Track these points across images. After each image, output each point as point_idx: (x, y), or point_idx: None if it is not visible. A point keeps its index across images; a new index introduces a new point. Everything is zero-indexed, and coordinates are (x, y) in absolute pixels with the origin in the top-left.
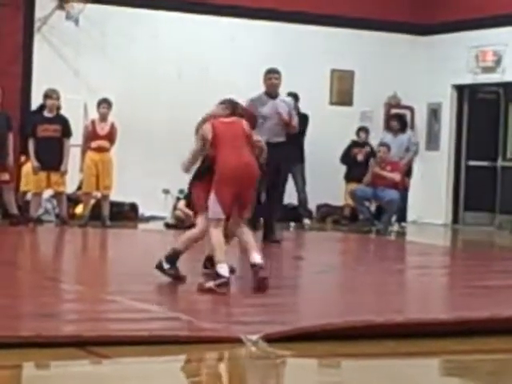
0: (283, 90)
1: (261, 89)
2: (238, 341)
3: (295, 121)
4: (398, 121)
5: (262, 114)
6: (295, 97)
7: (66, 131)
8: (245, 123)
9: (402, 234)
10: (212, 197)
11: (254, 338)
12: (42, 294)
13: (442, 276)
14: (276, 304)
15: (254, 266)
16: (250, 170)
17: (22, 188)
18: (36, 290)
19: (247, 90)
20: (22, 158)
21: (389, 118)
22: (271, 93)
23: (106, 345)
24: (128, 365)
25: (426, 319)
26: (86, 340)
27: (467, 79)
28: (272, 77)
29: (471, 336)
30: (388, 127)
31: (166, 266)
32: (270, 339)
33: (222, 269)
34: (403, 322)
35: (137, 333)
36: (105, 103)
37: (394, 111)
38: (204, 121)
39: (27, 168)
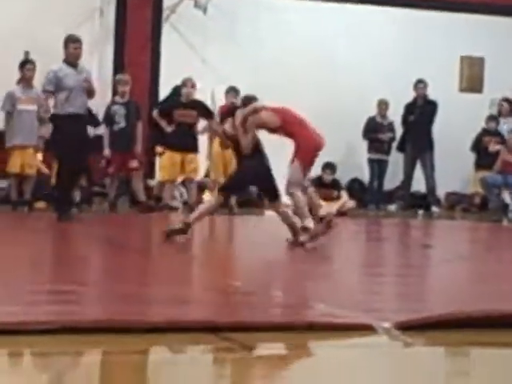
0: (411, 78)
1: (389, 74)
2: (369, 328)
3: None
4: (508, 104)
5: (68, 86)
6: (434, 104)
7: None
8: None
9: None
10: None
11: (387, 325)
12: (171, 280)
13: None
14: (405, 292)
15: None
16: None
17: (161, 178)
18: (165, 276)
19: (374, 76)
20: (159, 149)
21: (499, 101)
22: (73, 62)
23: (239, 331)
24: (263, 351)
25: None
26: (218, 326)
27: None
28: (77, 46)
29: None
30: (499, 111)
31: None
32: (403, 327)
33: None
34: None
35: (270, 319)
36: (232, 92)
37: None
38: None
39: (163, 158)
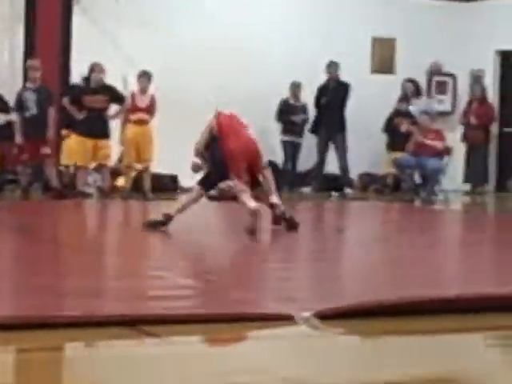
0: (324, 59)
1: (301, 56)
2: (289, 318)
3: None
4: (413, 85)
5: None
6: (346, 86)
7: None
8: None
9: (445, 202)
10: None
11: (306, 315)
12: (86, 271)
13: (486, 247)
14: (321, 278)
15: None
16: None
17: (64, 161)
18: (80, 267)
19: (287, 58)
20: (64, 132)
21: (403, 82)
22: None
23: (154, 323)
24: (180, 344)
25: (484, 294)
26: (134, 319)
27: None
28: None
29: None
30: (405, 92)
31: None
32: (322, 316)
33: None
34: (464, 297)
35: (190, 311)
36: (144, 76)
37: (436, 79)
38: None
39: (69, 142)
